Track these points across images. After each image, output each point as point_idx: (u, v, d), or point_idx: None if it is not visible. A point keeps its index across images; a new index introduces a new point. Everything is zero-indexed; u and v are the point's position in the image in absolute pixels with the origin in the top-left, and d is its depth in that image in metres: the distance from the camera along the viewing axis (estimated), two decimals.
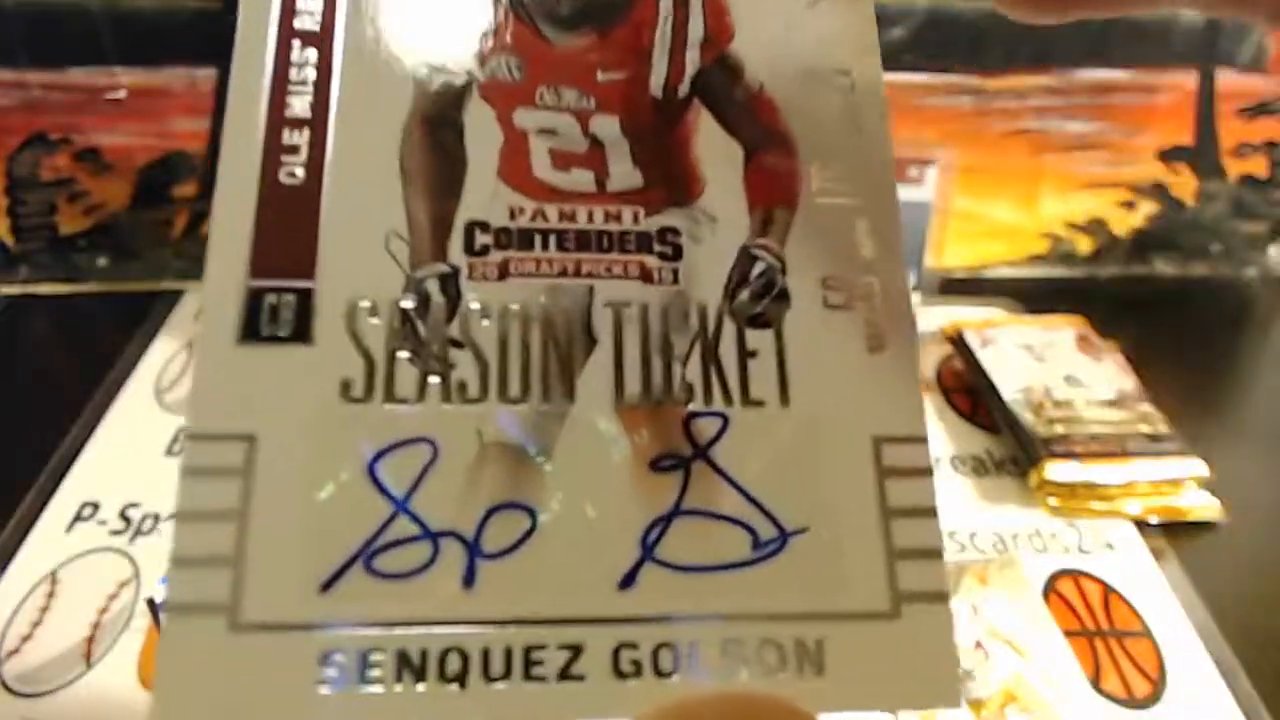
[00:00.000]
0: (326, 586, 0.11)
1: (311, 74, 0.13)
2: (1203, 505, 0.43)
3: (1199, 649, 0.37)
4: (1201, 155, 0.58)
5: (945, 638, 0.12)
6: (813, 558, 0.12)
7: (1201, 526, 0.43)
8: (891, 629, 0.12)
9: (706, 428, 0.13)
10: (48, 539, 0.39)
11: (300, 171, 0.13)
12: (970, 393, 0.50)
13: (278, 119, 0.13)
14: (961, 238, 0.57)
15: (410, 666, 0.11)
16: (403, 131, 0.13)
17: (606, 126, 0.14)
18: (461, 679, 0.11)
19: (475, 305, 0.13)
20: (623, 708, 0.11)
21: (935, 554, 0.12)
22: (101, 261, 0.54)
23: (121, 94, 0.49)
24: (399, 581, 0.11)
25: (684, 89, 0.14)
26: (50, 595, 0.37)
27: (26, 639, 0.35)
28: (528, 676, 0.11)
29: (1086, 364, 0.49)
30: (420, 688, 0.11)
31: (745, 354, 0.13)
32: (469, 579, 0.12)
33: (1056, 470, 0.43)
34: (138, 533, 0.39)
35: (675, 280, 0.13)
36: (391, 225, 0.13)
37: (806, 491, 0.12)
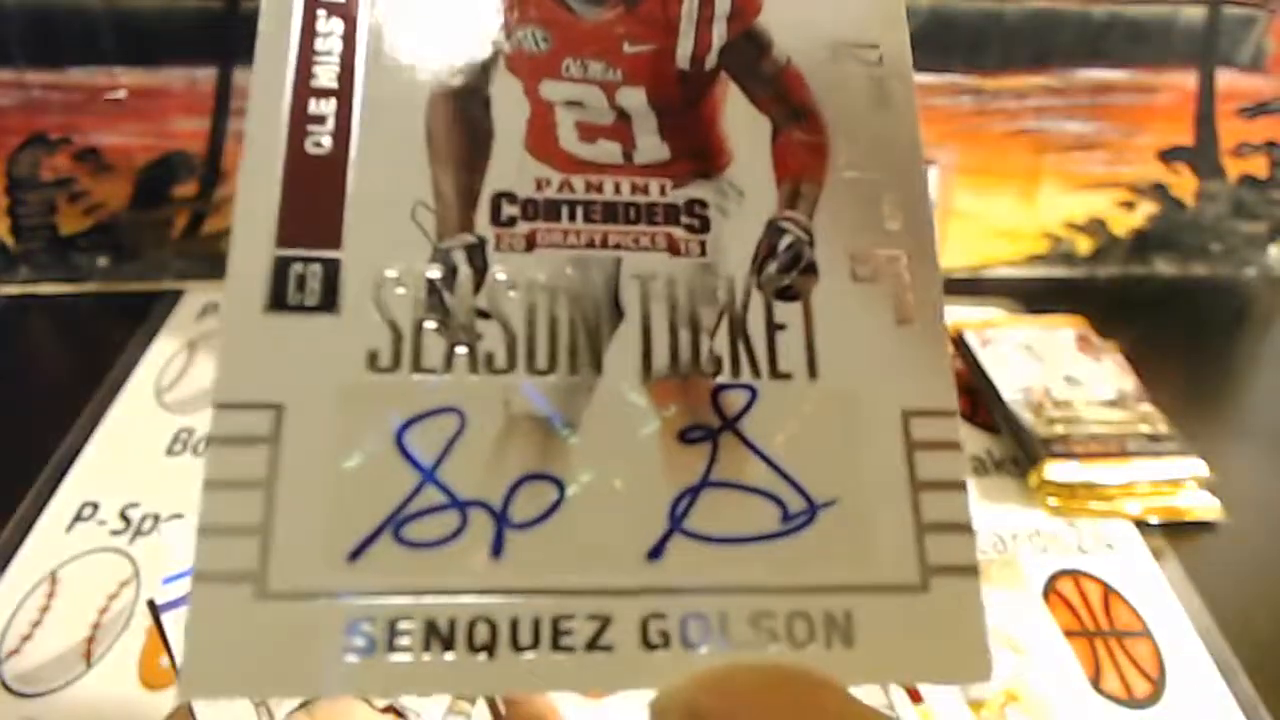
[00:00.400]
0: (354, 555, 0.11)
1: (338, 44, 0.13)
2: (1202, 505, 0.43)
3: (1199, 649, 0.37)
4: (1201, 155, 0.58)
5: (975, 611, 0.12)
6: (842, 530, 0.12)
7: (1201, 526, 0.43)
8: (921, 602, 0.12)
9: (735, 400, 0.12)
10: (48, 539, 0.39)
11: (327, 141, 0.13)
12: (970, 393, 0.50)
13: (304, 89, 0.13)
14: (961, 238, 0.57)
15: (438, 635, 0.11)
16: (429, 102, 0.13)
17: (633, 98, 0.14)
18: (490, 648, 0.11)
19: (502, 276, 0.13)
20: (651, 678, 0.11)
21: (965, 528, 0.12)
22: (101, 261, 0.54)
23: (121, 94, 0.49)
24: (427, 551, 0.11)
25: (711, 61, 0.14)
26: (50, 595, 0.37)
27: (26, 639, 0.35)
28: (556, 647, 0.11)
29: (1086, 364, 0.49)
30: (448, 656, 0.11)
31: (773, 327, 0.13)
32: (497, 549, 0.12)
33: (1056, 470, 0.43)
34: (138, 533, 0.39)
35: (703, 252, 0.13)
36: (418, 196, 0.13)
37: (835, 464, 0.12)
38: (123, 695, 0.34)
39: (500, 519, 0.12)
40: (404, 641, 0.11)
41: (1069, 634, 0.37)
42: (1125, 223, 0.60)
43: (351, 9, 0.13)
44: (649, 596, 0.11)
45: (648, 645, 0.11)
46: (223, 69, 0.49)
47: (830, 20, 0.14)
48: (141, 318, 0.52)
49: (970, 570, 0.12)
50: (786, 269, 0.13)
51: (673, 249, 0.13)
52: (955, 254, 0.57)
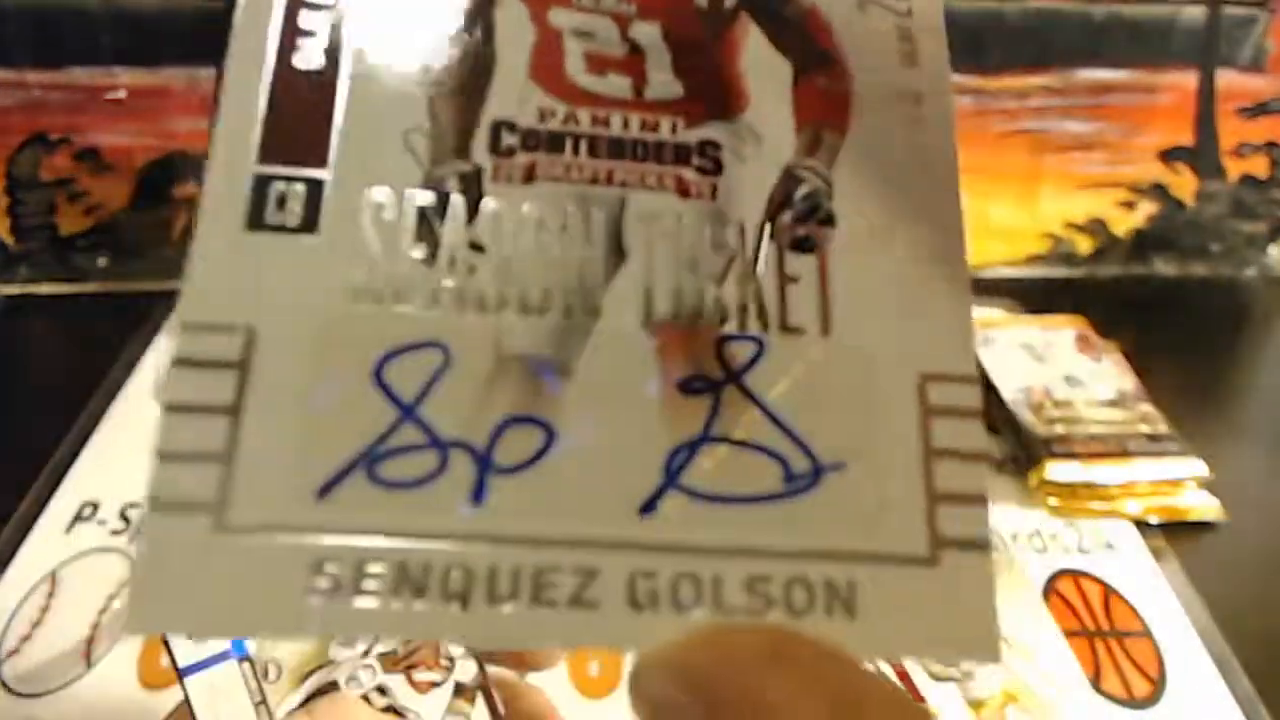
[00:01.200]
0: (323, 491, 0.11)
1: None
2: (1203, 505, 0.43)
3: (1199, 649, 0.37)
4: (1201, 155, 0.58)
5: (985, 588, 0.11)
6: (848, 495, 0.11)
7: (1202, 526, 0.43)
8: (928, 575, 0.11)
9: (740, 351, 0.12)
10: (48, 539, 0.39)
11: (317, 57, 0.12)
12: None
13: (295, 1, 0.12)
14: None
15: (410, 581, 0.10)
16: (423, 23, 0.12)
17: (647, 32, 0.13)
18: (464, 598, 0.10)
19: (498, 207, 0.12)
20: (637, 638, 0.10)
21: (979, 500, 0.12)
22: (102, 261, 0.54)
23: (121, 94, 0.49)
24: (402, 491, 0.11)
25: (731, 1, 0.13)
26: (50, 595, 0.37)
27: (26, 639, 0.35)
28: (536, 600, 0.10)
29: (1086, 364, 0.49)
30: (419, 605, 0.10)
31: (785, 278, 0.12)
32: (478, 493, 0.11)
33: (1056, 470, 0.43)
34: (138, 533, 0.39)
35: (714, 196, 0.12)
36: (413, 120, 0.12)
37: (845, 426, 0.12)
38: (123, 695, 0.34)
39: (483, 461, 0.11)
40: (372, 585, 0.10)
41: (1069, 634, 0.37)
42: (1125, 222, 0.60)
43: None
44: (639, 552, 0.11)
45: (635, 604, 0.10)
46: (223, 68, 0.49)
47: None
48: (142, 318, 0.52)
49: (983, 545, 0.12)
50: (803, 218, 0.12)
51: (682, 190, 0.12)
52: None
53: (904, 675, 0.35)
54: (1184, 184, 0.59)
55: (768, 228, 0.12)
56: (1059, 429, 0.45)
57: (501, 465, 0.11)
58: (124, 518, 0.40)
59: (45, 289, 0.54)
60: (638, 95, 0.13)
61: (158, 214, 0.53)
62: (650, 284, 0.12)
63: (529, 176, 0.12)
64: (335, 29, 0.12)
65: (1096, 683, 0.36)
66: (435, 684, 0.26)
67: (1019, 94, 0.55)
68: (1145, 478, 0.43)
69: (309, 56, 0.12)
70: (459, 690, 0.26)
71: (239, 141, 0.12)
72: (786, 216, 0.12)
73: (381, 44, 0.12)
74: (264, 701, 0.24)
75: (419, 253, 0.12)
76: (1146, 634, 0.38)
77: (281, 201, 0.12)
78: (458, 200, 0.12)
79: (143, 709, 0.34)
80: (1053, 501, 0.43)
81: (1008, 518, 0.43)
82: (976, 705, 0.34)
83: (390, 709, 0.25)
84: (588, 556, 0.11)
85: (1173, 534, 0.42)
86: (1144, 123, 0.57)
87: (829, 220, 0.12)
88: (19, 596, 0.36)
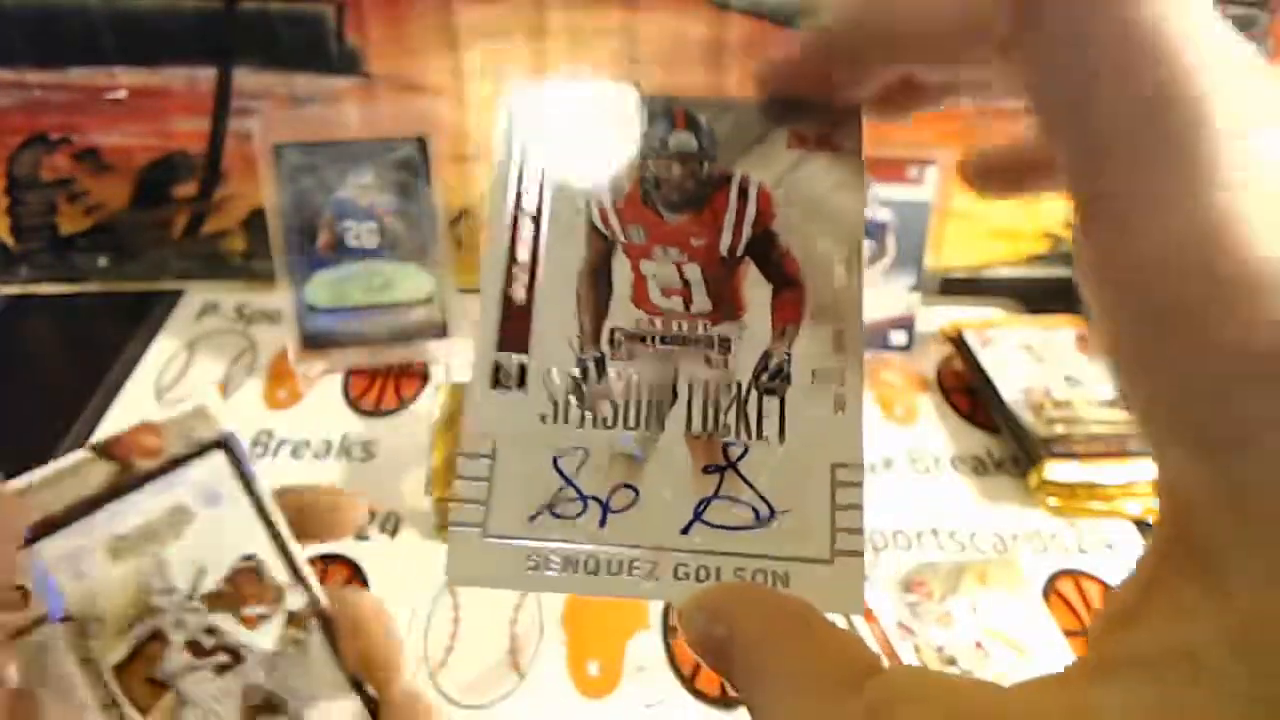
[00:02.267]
0: (531, 520, 0.21)
1: (529, 235, 0.23)
2: None
3: None
4: None
5: (858, 575, 0.20)
6: (790, 528, 0.21)
7: None
8: (828, 569, 0.20)
9: (735, 451, 0.21)
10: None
11: (522, 293, 0.22)
12: (970, 393, 0.50)
13: (510, 262, 0.22)
14: (961, 238, 0.57)
15: (571, 564, 0.21)
16: (579, 274, 0.22)
17: (693, 272, 0.23)
18: (596, 573, 0.21)
19: (613, 374, 0.22)
20: (679, 594, 0.20)
21: (859, 531, 0.21)
22: (101, 261, 0.54)
23: (121, 94, 0.49)
24: (567, 521, 0.21)
25: (740, 250, 0.22)
26: None
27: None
28: (629, 574, 0.21)
29: (1086, 364, 0.49)
30: (575, 575, 0.20)
31: (761, 411, 0.22)
32: (603, 523, 0.21)
33: (1056, 470, 0.43)
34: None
35: (726, 366, 0.22)
36: (572, 329, 0.22)
37: (790, 491, 0.21)
38: None
39: (604, 507, 0.21)
40: (553, 565, 0.21)
41: (1069, 634, 0.37)
42: None
43: (539, 214, 0.23)
44: (680, 554, 0.21)
45: (677, 578, 0.20)
46: (223, 69, 0.49)
47: (818, 223, 0.23)
48: (141, 318, 0.52)
49: (858, 554, 0.20)
50: (773, 378, 0.22)
51: (709, 364, 0.22)
52: (955, 254, 0.57)
53: None
54: None
55: (753, 383, 0.22)
56: (1059, 429, 0.45)
57: (614, 509, 0.21)
58: None
59: (45, 289, 0.54)
60: (686, 309, 0.22)
61: (157, 214, 0.53)
62: (689, 414, 0.22)
63: (629, 357, 0.22)
64: (530, 278, 0.22)
65: None
66: (264, 617, 0.26)
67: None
68: (1145, 477, 0.43)
69: (518, 292, 0.22)
70: (292, 619, 0.26)
71: (487, 340, 0.22)
72: (764, 377, 0.22)
73: (553, 286, 0.22)
74: (89, 659, 0.24)
75: (574, 400, 0.22)
76: None
77: (507, 374, 0.22)
78: (593, 371, 0.22)
79: None
80: (1053, 501, 0.43)
81: (1008, 518, 0.43)
82: None
83: (220, 648, 0.25)
84: (654, 555, 0.21)
85: None
86: None
87: (787, 379, 0.22)
88: None
